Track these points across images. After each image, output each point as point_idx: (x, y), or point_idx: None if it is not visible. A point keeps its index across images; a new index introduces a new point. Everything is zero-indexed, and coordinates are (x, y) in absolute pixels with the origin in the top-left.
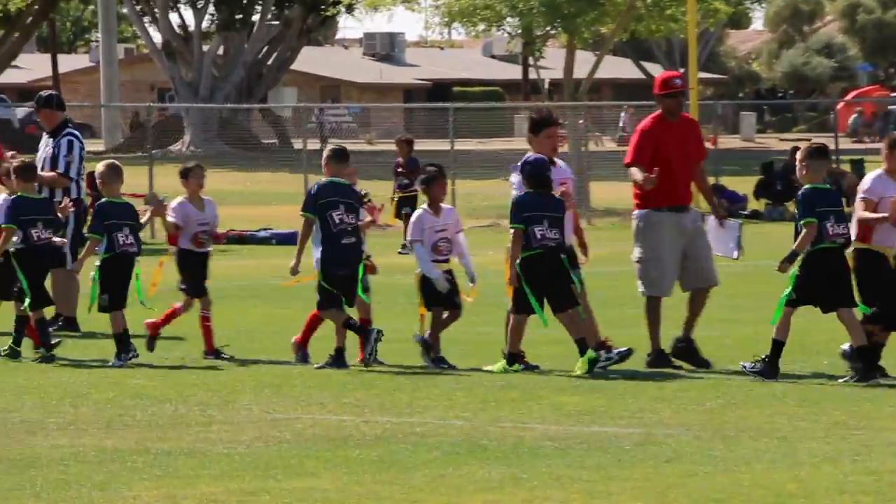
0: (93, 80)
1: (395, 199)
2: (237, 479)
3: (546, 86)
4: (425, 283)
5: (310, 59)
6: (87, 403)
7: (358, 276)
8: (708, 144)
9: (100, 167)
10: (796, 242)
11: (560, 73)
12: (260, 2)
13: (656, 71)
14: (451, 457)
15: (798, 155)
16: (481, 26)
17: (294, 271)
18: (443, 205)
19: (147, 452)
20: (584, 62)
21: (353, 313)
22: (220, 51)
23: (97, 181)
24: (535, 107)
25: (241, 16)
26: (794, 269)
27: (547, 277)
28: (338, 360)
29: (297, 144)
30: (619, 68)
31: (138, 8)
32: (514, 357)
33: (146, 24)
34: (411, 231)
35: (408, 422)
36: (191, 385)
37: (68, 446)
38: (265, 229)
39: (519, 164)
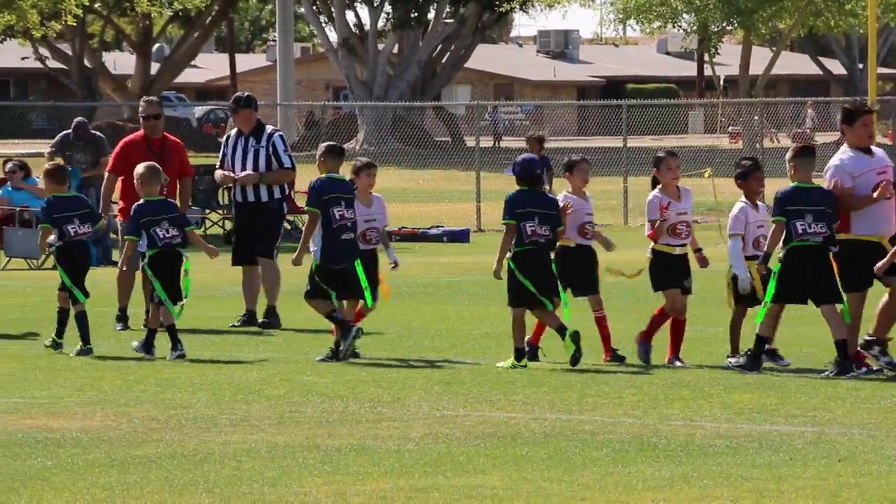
0: (269, 79)
1: None
2: (406, 476)
3: (721, 82)
4: (735, 280)
5: (484, 57)
6: (259, 400)
7: (356, 273)
8: (886, 140)
9: (140, 169)
10: (767, 242)
11: (735, 69)
12: (435, 0)
13: (835, 67)
14: (619, 455)
15: (787, 155)
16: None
17: (297, 262)
18: (759, 202)
19: (317, 448)
20: (760, 58)
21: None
22: (395, 49)
23: (135, 182)
24: (850, 100)
25: (416, 14)
26: (775, 276)
27: (536, 272)
28: (337, 353)
29: (470, 142)
30: (797, 64)
31: (315, 7)
32: (520, 352)
33: (322, 23)
34: (732, 224)
35: (577, 419)
36: (361, 382)
37: (240, 442)
38: (437, 226)
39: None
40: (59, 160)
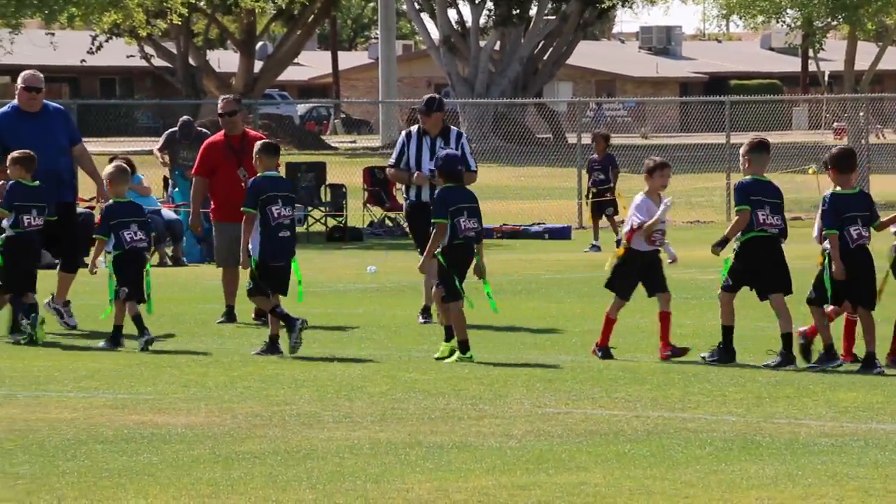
0: (371, 77)
1: (590, 197)
2: (508, 473)
3: (826, 78)
4: None
5: (586, 54)
6: (362, 396)
7: (291, 268)
8: None
9: (109, 168)
10: (728, 229)
11: (840, 64)
12: None
13: None
14: (723, 453)
15: (741, 149)
16: (760, 18)
17: (245, 265)
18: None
19: (419, 445)
20: (865, 53)
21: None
22: (497, 46)
23: (105, 180)
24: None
25: (518, 11)
26: (730, 256)
27: (464, 266)
28: (272, 347)
29: (572, 139)
30: None
31: (417, 5)
32: (464, 344)
33: (424, 21)
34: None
35: (680, 417)
36: (463, 379)
37: (343, 438)
38: (538, 224)
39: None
40: (166, 157)
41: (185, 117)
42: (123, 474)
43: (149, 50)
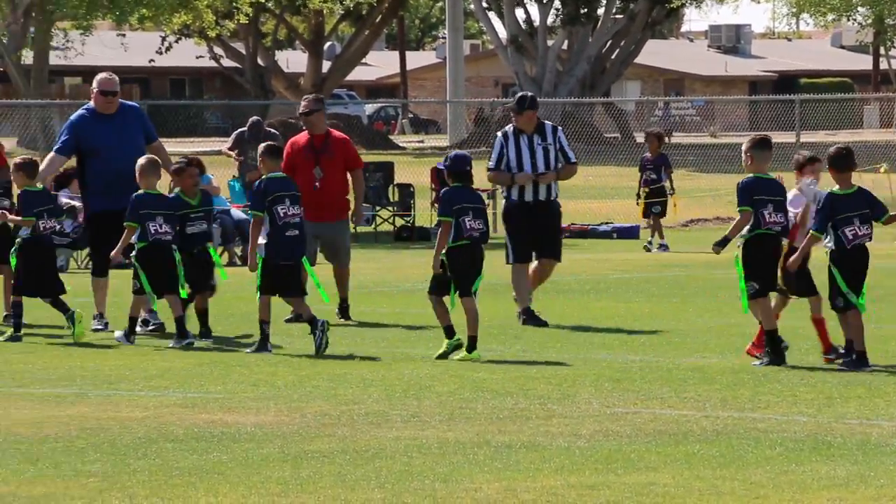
0: (438, 77)
1: (643, 196)
2: (577, 473)
3: None
4: None
5: (654, 53)
6: (430, 396)
7: (301, 268)
8: None
9: (141, 160)
10: (730, 228)
11: None
12: None
13: None
14: (794, 453)
15: (743, 146)
16: (830, 16)
17: (252, 267)
18: None
19: (487, 445)
20: None
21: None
22: (565, 45)
23: (136, 173)
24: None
25: (586, 10)
26: (739, 264)
27: (469, 265)
28: (265, 344)
29: (640, 138)
30: None
31: (485, 4)
32: (449, 330)
33: (492, 20)
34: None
35: (749, 417)
36: (531, 378)
37: (411, 438)
38: (606, 223)
39: None
40: (239, 156)
41: (254, 118)
42: (193, 473)
43: (218, 50)
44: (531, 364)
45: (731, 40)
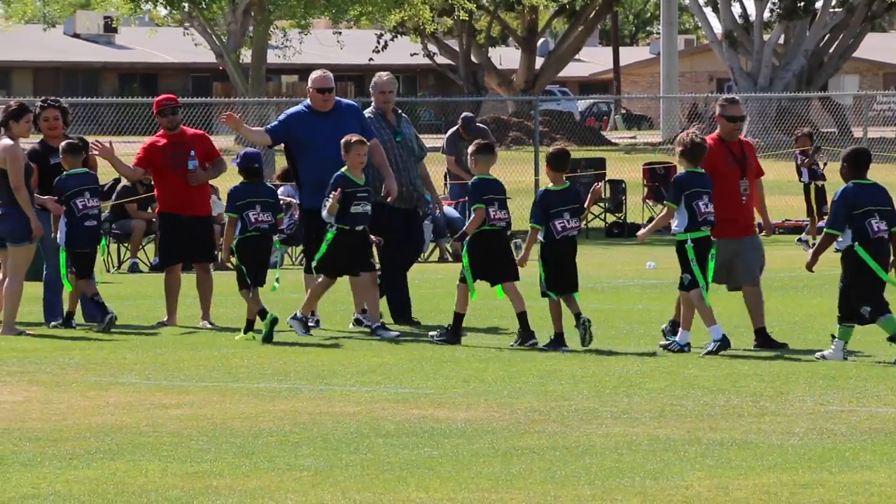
0: (652, 72)
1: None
2: (790, 471)
3: None
4: None
5: (873, 46)
6: (640, 392)
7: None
8: None
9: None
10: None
11: None
12: None
13: None
14: None
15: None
16: None
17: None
18: None
19: (699, 442)
20: None
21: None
22: (781, 39)
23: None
24: None
25: (803, 4)
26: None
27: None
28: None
29: (857, 132)
30: None
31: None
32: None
33: (707, 15)
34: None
35: None
36: (744, 375)
37: (621, 434)
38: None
39: None
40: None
41: (466, 114)
42: (405, 468)
43: (432, 48)
44: (742, 360)
45: None
